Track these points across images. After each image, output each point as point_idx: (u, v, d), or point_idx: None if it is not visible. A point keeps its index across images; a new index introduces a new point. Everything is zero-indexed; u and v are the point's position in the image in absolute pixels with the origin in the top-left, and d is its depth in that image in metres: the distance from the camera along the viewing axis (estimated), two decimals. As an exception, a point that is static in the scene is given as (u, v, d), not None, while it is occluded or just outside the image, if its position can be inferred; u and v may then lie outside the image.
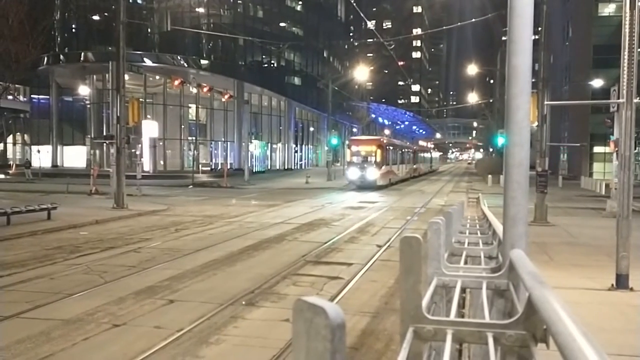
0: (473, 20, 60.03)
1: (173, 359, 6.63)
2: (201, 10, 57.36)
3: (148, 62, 50.16)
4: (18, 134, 64.59)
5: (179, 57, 54.18)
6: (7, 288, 9.85)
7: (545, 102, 21.43)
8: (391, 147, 43.72)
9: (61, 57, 56.18)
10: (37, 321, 7.93)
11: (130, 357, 6.58)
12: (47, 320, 7.95)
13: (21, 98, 58.45)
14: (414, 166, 58.67)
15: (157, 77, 51.76)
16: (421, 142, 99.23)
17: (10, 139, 63.47)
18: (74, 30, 58.06)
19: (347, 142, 45.54)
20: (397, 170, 45.84)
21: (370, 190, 36.61)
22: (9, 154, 62.84)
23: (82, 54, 54.43)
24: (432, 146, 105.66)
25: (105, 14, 52.42)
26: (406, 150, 54.17)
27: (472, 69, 53.90)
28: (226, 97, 45.45)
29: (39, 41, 18.16)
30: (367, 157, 38.68)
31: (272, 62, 66.77)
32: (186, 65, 54.20)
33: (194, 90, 47.27)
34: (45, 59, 53.82)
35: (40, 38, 18.10)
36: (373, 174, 38.09)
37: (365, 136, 57.25)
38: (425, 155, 74.71)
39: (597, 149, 52.62)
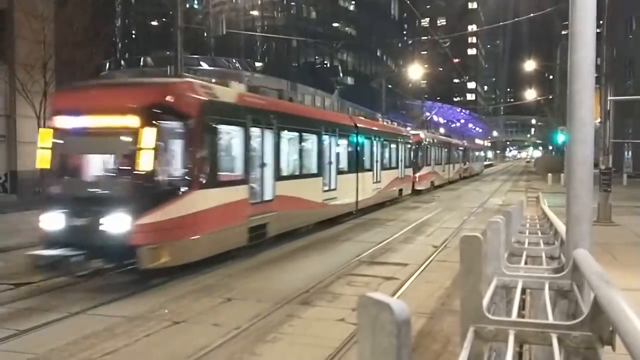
0: (531, 15, 58.39)
1: (231, 355, 6.75)
2: (255, 13, 58.18)
3: (204, 66, 51.16)
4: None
5: (233, 60, 55.12)
6: (73, 286, 10.26)
7: (609, 98, 20.69)
8: (267, 116, 14.03)
9: (122, 62, 58.03)
10: (101, 318, 8.23)
11: (190, 353, 6.73)
12: (110, 317, 8.24)
13: (85, 103, 60.49)
14: (417, 173, 32.34)
15: (213, 80, 52.70)
16: (461, 137, 65.08)
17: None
18: (133, 36, 59.92)
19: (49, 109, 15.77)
20: (307, 194, 16.18)
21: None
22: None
23: (142, 58, 56.09)
24: (486, 144, 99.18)
25: (163, 19, 53.83)
26: (383, 137, 24.71)
27: (529, 65, 52.43)
28: (280, 98, 45.86)
29: (102, 47, 18.83)
30: (116, 157, 10.54)
31: (325, 62, 66.95)
32: (240, 68, 55.06)
33: (249, 92, 47.94)
34: (107, 64, 55.70)
35: (102, 44, 18.77)
36: (121, 225, 9.29)
37: (115, 83, 14.33)
38: (450, 151, 45.94)
39: (665, 146, 50.28)
